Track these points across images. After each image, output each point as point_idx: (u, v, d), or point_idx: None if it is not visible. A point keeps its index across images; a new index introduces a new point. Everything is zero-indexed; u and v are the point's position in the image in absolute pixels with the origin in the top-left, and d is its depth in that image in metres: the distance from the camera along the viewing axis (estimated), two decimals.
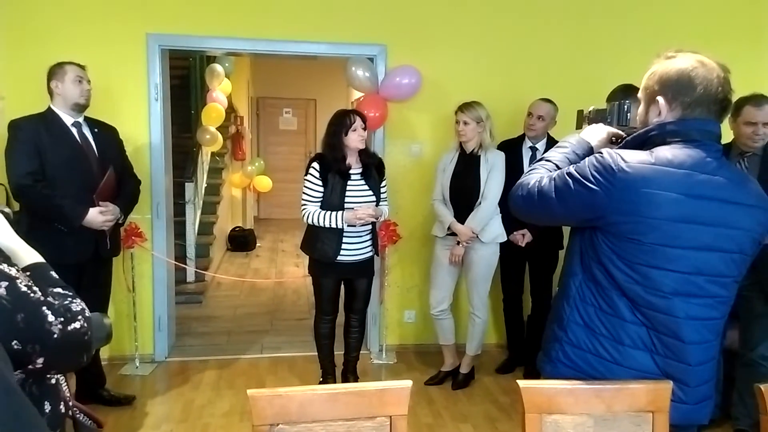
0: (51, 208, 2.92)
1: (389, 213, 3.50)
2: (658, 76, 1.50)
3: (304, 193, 3.24)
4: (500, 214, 3.50)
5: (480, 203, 3.43)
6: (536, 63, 4.12)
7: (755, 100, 2.78)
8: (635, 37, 4.11)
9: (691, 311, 1.46)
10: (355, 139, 3.17)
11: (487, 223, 3.45)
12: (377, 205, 3.27)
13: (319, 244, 3.23)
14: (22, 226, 2.66)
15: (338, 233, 3.20)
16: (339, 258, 3.22)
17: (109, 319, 1.28)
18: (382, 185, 3.34)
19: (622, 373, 1.52)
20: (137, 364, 3.81)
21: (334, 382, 3.46)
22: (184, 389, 3.58)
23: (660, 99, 1.49)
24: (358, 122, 3.18)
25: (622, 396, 1.51)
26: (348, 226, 3.16)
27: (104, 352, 3.69)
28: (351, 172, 3.23)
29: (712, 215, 1.42)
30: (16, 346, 0.99)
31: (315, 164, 3.23)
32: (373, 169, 3.30)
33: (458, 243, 3.47)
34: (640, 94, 1.57)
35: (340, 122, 3.19)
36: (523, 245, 3.62)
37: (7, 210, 1.24)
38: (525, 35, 4.11)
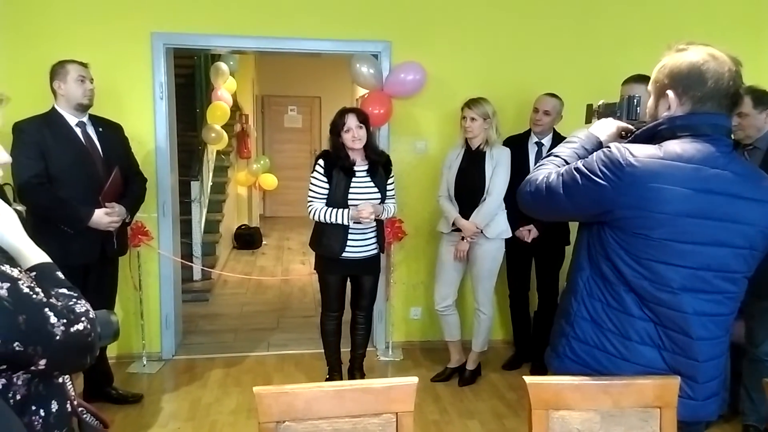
0: (56, 211, 2.92)
1: (395, 211, 3.48)
2: (669, 69, 1.47)
3: (310, 190, 3.24)
4: (505, 210, 3.49)
5: (485, 199, 3.42)
6: (541, 58, 4.10)
7: None
8: (640, 31, 4.08)
9: (700, 307, 1.45)
10: (348, 139, 3.15)
11: (492, 218, 3.44)
12: (382, 202, 3.27)
13: (325, 239, 3.23)
14: (28, 227, 2.67)
15: (344, 229, 3.19)
16: (344, 254, 3.22)
17: (116, 316, 1.27)
18: (388, 182, 3.33)
19: (629, 368, 1.52)
20: (144, 362, 3.83)
21: (341, 378, 3.47)
22: (191, 387, 3.59)
23: (670, 93, 1.47)
24: (352, 122, 3.13)
25: (629, 391, 1.50)
26: (354, 223, 3.16)
27: (112, 351, 3.71)
28: (356, 169, 3.22)
29: (722, 210, 1.41)
30: (17, 348, 0.99)
31: (320, 161, 3.23)
32: (380, 167, 3.29)
33: (463, 239, 3.47)
34: (649, 87, 1.55)
35: (335, 122, 3.19)
36: (529, 241, 3.60)
37: (20, 208, 1.23)
38: (530, 30, 4.09)
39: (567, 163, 1.59)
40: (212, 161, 6.96)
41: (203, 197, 6.32)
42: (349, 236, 3.21)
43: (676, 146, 1.42)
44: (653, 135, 1.49)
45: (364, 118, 3.20)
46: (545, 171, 1.59)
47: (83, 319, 1.09)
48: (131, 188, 3.23)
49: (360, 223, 3.16)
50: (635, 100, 1.67)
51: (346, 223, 3.15)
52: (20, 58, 3.57)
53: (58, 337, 1.04)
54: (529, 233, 3.59)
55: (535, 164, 1.70)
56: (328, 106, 9.55)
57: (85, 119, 3.08)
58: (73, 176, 2.97)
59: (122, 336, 3.14)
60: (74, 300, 1.13)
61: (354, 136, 3.14)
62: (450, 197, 3.55)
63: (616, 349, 1.52)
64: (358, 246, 3.25)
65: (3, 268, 1.03)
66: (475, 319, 3.66)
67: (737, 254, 1.44)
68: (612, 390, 1.50)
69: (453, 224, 3.50)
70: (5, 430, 0.93)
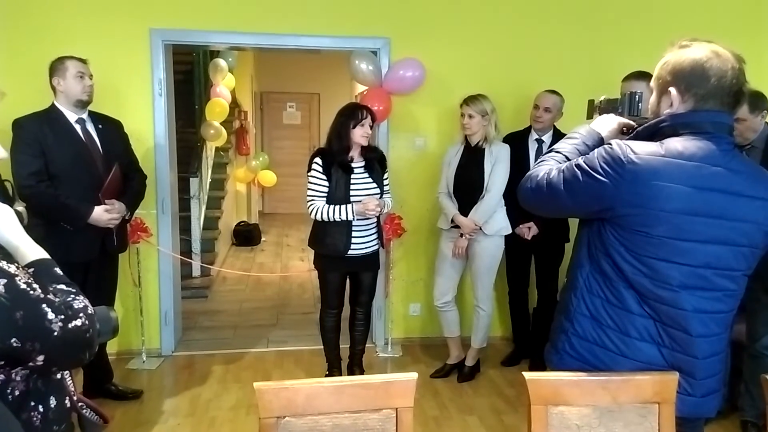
0: (56, 208, 2.92)
1: (392, 205, 3.50)
2: (671, 66, 1.46)
3: (309, 189, 3.23)
4: (504, 207, 3.49)
5: (483, 196, 3.42)
6: (541, 54, 4.09)
7: None
8: (640, 28, 4.08)
9: (699, 304, 1.45)
10: (360, 134, 3.18)
11: (491, 215, 3.44)
12: (380, 197, 3.27)
13: (329, 239, 3.23)
14: (28, 225, 2.68)
15: (347, 227, 3.20)
16: (349, 252, 3.23)
17: (116, 312, 1.27)
18: (384, 177, 3.34)
19: (629, 365, 1.52)
20: (144, 359, 3.83)
21: (340, 375, 3.47)
22: (190, 383, 3.59)
23: (672, 90, 1.46)
24: (368, 119, 3.19)
25: (628, 387, 1.51)
26: (359, 219, 3.17)
27: (111, 347, 3.71)
28: (354, 165, 3.23)
29: (722, 208, 1.40)
30: (15, 344, 0.99)
31: (317, 159, 3.22)
32: (376, 163, 3.31)
33: (461, 235, 3.47)
34: (652, 84, 1.55)
35: (351, 114, 3.20)
36: (529, 238, 3.61)
37: (20, 209, 1.23)
38: (530, 26, 4.08)
39: (568, 159, 1.59)
40: (211, 158, 6.95)
41: (202, 194, 6.31)
42: (353, 233, 3.21)
43: (677, 144, 1.42)
44: (655, 132, 1.48)
45: (374, 119, 3.27)
46: (546, 167, 1.59)
47: (81, 314, 1.09)
48: (131, 185, 3.22)
49: (368, 218, 3.17)
50: (637, 96, 1.67)
51: (350, 218, 3.15)
52: (19, 55, 3.56)
53: (56, 333, 1.03)
54: (529, 230, 3.60)
55: (536, 161, 1.70)
56: (327, 103, 9.55)
57: (84, 116, 3.07)
58: (72, 173, 2.97)
59: (122, 332, 3.13)
60: (72, 296, 1.12)
61: (366, 132, 3.18)
62: (449, 194, 3.55)
63: (615, 346, 1.53)
64: (362, 243, 3.26)
65: (0, 264, 1.03)
66: (474, 315, 3.66)
67: (737, 252, 1.44)
68: (610, 386, 1.51)
69: (451, 220, 3.50)
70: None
